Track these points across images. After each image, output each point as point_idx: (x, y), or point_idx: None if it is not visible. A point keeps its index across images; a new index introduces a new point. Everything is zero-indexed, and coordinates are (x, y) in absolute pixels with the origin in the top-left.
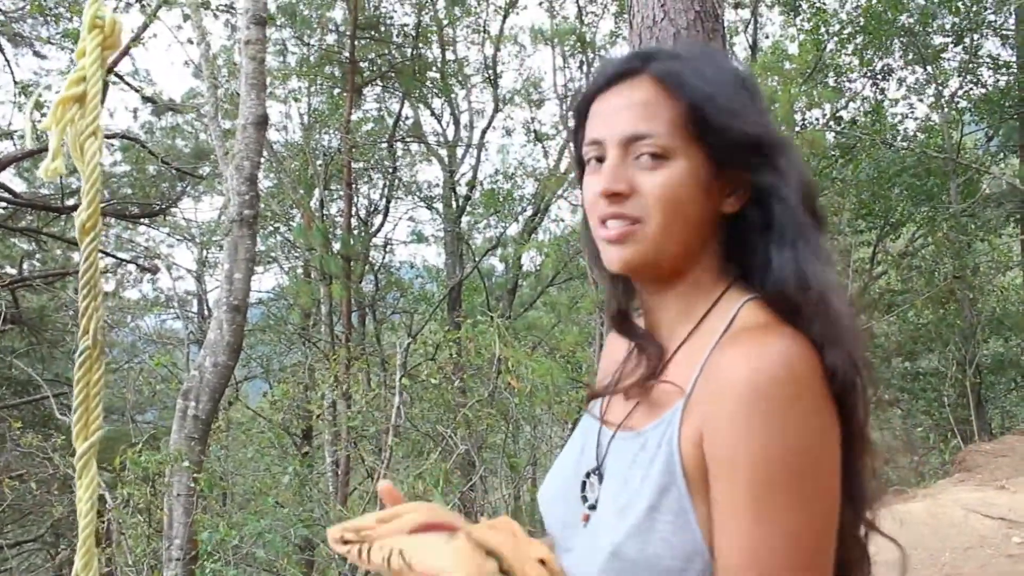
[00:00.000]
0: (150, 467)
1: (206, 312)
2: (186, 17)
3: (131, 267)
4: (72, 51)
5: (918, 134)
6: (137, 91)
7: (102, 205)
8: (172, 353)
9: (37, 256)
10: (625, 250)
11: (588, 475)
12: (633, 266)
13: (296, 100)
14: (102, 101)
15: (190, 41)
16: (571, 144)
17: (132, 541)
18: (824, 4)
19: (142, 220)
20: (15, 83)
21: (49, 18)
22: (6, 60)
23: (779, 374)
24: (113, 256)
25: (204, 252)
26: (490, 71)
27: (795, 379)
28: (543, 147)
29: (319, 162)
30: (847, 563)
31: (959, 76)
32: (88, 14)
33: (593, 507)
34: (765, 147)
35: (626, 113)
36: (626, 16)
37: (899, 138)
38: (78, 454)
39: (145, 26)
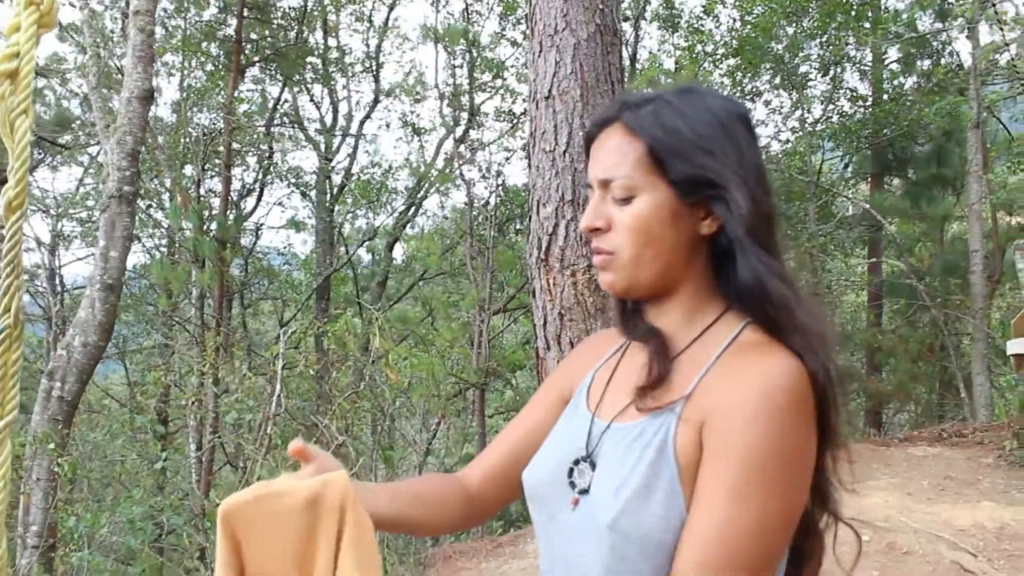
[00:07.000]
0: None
1: (59, 288)
2: None
3: None
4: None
5: (781, 156)
6: None
7: None
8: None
9: None
10: (607, 276)
11: (577, 462)
12: (616, 289)
13: (170, 75)
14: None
15: (72, 4)
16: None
17: None
18: (702, 25)
19: None
20: None
21: None
22: None
23: (785, 385)
24: None
25: (59, 224)
26: (372, 62)
27: (796, 390)
28: (420, 141)
29: (195, 140)
30: (810, 552)
31: (822, 104)
32: None
33: (584, 491)
34: (711, 183)
35: (603, 158)
36: (513, 17)
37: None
38: None
39: None
